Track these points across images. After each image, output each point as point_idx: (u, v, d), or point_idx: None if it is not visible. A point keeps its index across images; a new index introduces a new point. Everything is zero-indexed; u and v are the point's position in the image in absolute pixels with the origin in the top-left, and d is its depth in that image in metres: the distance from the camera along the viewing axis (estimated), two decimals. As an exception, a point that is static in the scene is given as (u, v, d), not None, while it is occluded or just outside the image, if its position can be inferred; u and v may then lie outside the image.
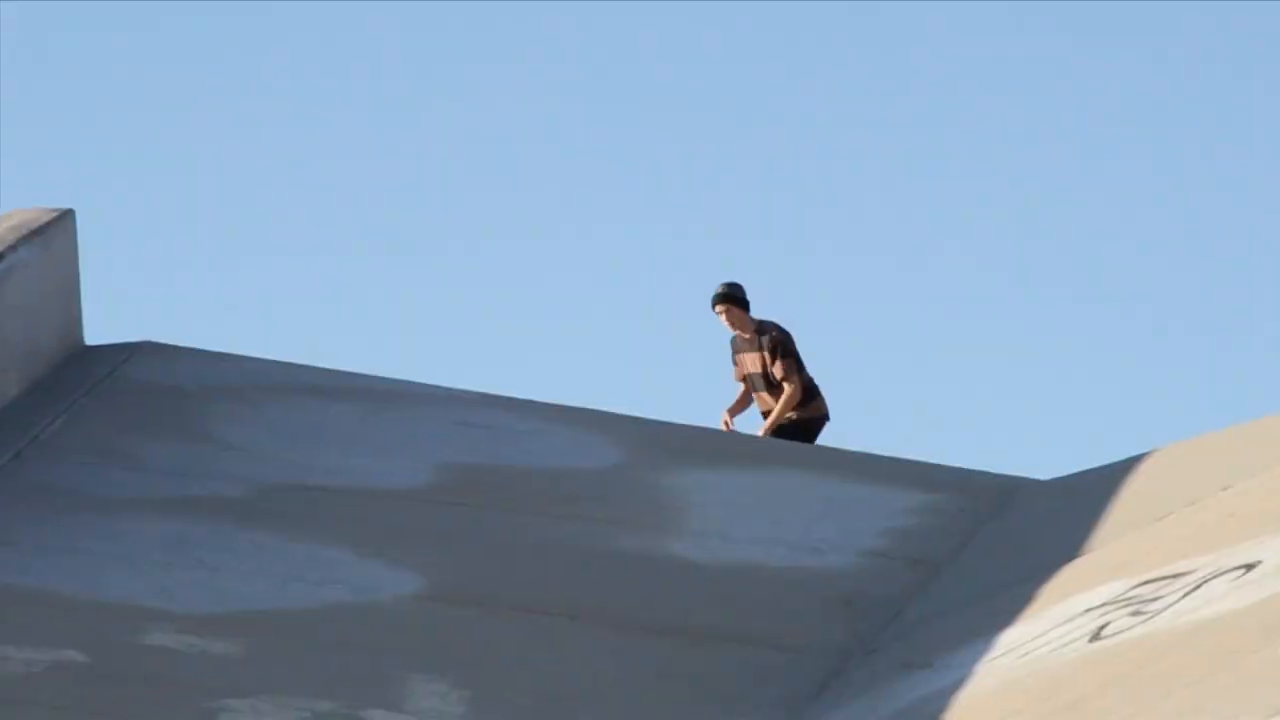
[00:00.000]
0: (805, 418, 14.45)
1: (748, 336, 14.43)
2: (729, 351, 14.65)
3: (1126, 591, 7.82)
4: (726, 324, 14.43)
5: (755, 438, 10.35)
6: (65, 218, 10.88)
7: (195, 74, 30.92)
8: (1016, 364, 29.91)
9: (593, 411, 10.23)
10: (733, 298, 14.49)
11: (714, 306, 14.56)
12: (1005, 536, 9.94)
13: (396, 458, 9.49)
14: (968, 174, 29.34)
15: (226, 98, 30.69)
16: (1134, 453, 10.50)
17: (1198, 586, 6.91)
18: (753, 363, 14.52)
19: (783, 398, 14.35)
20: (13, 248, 10.21)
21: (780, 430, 14.36)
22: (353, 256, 30.27)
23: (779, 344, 14.41)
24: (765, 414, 14.51)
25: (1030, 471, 11.17)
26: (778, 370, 14.34)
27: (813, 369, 13.97)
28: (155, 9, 29.41)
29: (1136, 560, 8.38)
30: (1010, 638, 7.44)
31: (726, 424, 14.41)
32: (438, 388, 10.47)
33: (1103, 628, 7.40)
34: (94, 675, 7.03)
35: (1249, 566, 6.86)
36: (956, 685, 6.93)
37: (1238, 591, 6.57)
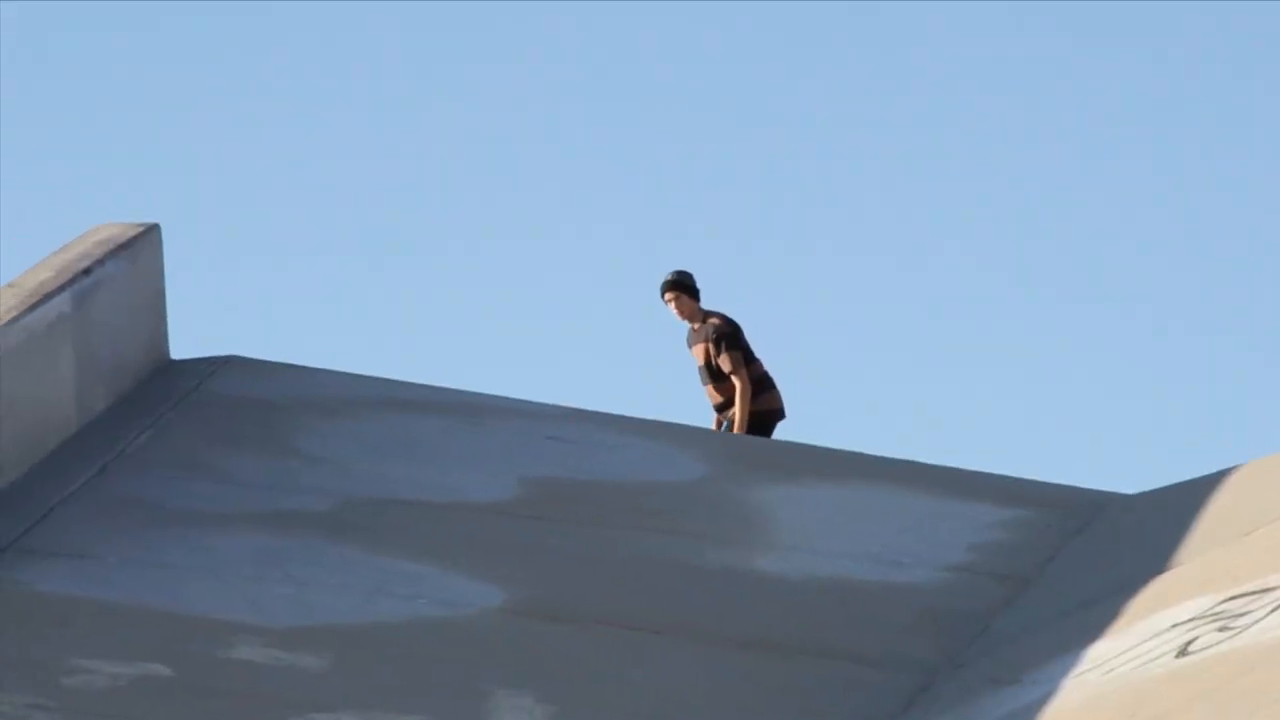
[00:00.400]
0: (756, 411, 13.79)
1: (696, 327, 13.92)
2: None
3: (1213, 607, 7.73)
4: (676, 313, 13.86)
5: (839, 451, 10.21)
6: (151, 232, 10.97)
7: (266, 84, 31.24)
8: (1102, 378, 29.27)
9: (677, 426, 10.27)
10: (681, 285, 13.90)
11: (663, 295, 13.94)
12: (1092, 551, 9.88)
13: (483, 471, 9.52)
14: (1036, 178, 28.86)
15: (286, 111, 31.03)
16: (1221, 467, 10.39)
17: (1286, 602, 6.89)
18: (699, 354, 13.98)
19: (737, 397, 13.76)
20: (100, 262, 10.27)
21: (731, 425, 13.86)
22: (432, 268, 29.96)
23: (723, 335, 13.84)
24: (716, 408, 13.92)
25: (1117, 486, 10.95)
26: (723, 363, 13.76)
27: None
28: (212, 8, 29.71)
29: (1223, 575, 8.29)
30: (1097, 653, 7.40)
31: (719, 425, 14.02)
32: (523, 402, 10.52)
33: (1189, 643, 7.32)
34: (179, 689, 7.04)
35: (1337, 582, 6.81)
36: (1043, 700, 6.89)
37: (1325, 607, 6.55)
